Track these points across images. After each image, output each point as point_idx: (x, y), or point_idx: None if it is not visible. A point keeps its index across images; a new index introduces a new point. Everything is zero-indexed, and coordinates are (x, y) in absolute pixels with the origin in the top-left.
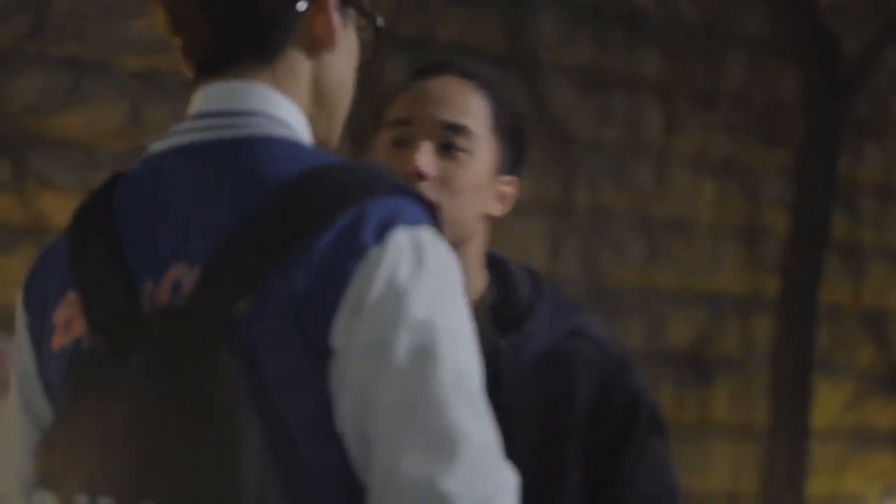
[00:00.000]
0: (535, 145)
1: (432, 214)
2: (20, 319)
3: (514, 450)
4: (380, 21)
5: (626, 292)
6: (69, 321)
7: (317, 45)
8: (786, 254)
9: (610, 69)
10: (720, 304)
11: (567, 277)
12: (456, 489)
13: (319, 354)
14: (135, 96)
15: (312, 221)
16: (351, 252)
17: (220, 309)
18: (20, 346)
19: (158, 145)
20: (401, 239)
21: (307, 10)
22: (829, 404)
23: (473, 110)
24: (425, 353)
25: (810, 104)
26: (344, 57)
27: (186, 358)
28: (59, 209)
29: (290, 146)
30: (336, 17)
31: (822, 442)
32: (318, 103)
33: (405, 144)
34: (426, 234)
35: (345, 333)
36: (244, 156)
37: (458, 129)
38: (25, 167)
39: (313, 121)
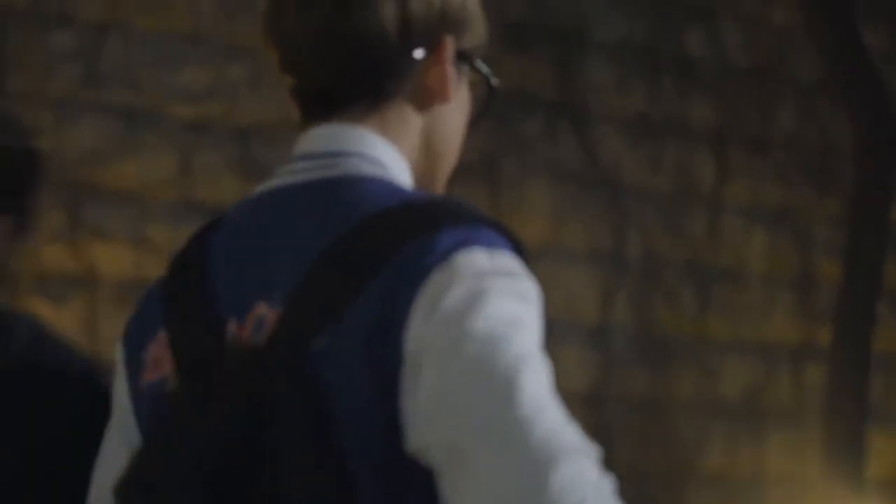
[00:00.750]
0: (586, 193)
1: (518, 248)
2: (119, 356)
3: None
4: (494, 80)
5: (678, 341)
6: (158, 360)
7: (429, 97)
8: (838, 302)
9: (661, 116)
10: (773, 353)
11: (618, 326)
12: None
13: (389, 382)
14: (186, 146)
15: (383, 253)
16: (414, 274)
17: (296, 347)
18: (117, 382)
19: (261, 187)
20: (472, 255)
21: (423, 60)
22: (884, 455)
23: None
24: (505, 353)
25: (862, 151)
26: (455, 111)
27: (261, 397)
28: (111, 260)
29: (381, 185)
30: (451, 71)
31: (878, 493)
32: (425, 154)
33: None
34: (507, 257)
35: (414, 343)
36: (333, 195)
37: None
38: (78, 217)
39: (418, 171)
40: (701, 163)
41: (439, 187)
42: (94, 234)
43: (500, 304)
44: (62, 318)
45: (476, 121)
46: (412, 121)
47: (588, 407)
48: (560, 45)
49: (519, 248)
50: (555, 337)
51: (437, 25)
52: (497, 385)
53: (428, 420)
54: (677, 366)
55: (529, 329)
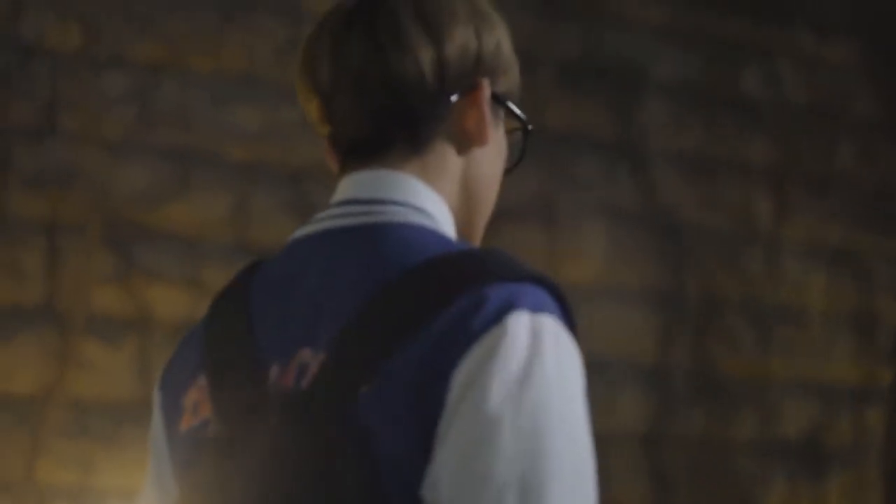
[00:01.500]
0: (643, 233)
1: (561, 304)
2: (156, 400)
3: None
4: (530, 125)
5: (737, 382)
6: (198, 404)
7: (467, 140)
8: None
9: (718, 155)
10: (833, 393)
11: (676, 367)
12: None
13: (430, 429)
14: (240, 187)
15: (431, 304)
16: (464, 335)
17: (341, 393)
18: (154, 427)
19: (300, 232)
20: (518, 322)
21: (459, 103)
22: None
23: None
24: (537, 446)
25: None
26: (493, 154)
27: (308, 442)
28: (165, 302)
29: (425, 233)
30: (488, 114)
31: None
32: (464, 199)
33: None
34: (547, 322)
35: (453, 413)
36: (376, 242)
37: None
38: (131, 259)
39: (457, 216)
40: (759, 202)
41: (478, 232)
42: (148, 275)
43: (546, 389)
44: (115, 360)
45: (514, 165)
46: (451, 165)
47: (646, 448)
48: (616, 83)
49: (563, 303)
50: (612, 378)
51: (473, 69)
52: (529, 496)
53: (450, 488)
54: (736, 406)
55: (574, 410)
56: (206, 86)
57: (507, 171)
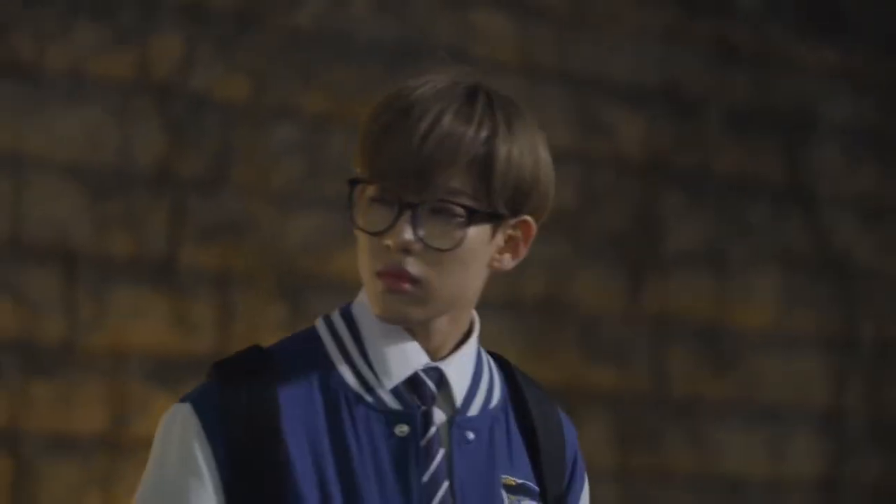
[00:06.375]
0: (816, 278)
1: (205, 388)
2: None
3: None
4: (354, 180)
5: None
6: None
7: None
8: None
9: (893, 198)
10: None
11: (851, 412)
12: None
13: None
14: None
15: None
16: None
17: None
18: None
19: None
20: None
21: None
22: None
23: None
24: None
25: None
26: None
27: None
28: None
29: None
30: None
31: None
32: None
33: None
34: (174, 408)
35: None
36: None
37: None
38: (302, 309)
39: None
40: None
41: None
42: None
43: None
44: None
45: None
46: None
47: (821, 493)
48: (787, 127)
49: (217, 379)
50: (785, 423)
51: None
52: None
53: None
54: None
55: (155, 462)
56: None
57: (369, 233)
